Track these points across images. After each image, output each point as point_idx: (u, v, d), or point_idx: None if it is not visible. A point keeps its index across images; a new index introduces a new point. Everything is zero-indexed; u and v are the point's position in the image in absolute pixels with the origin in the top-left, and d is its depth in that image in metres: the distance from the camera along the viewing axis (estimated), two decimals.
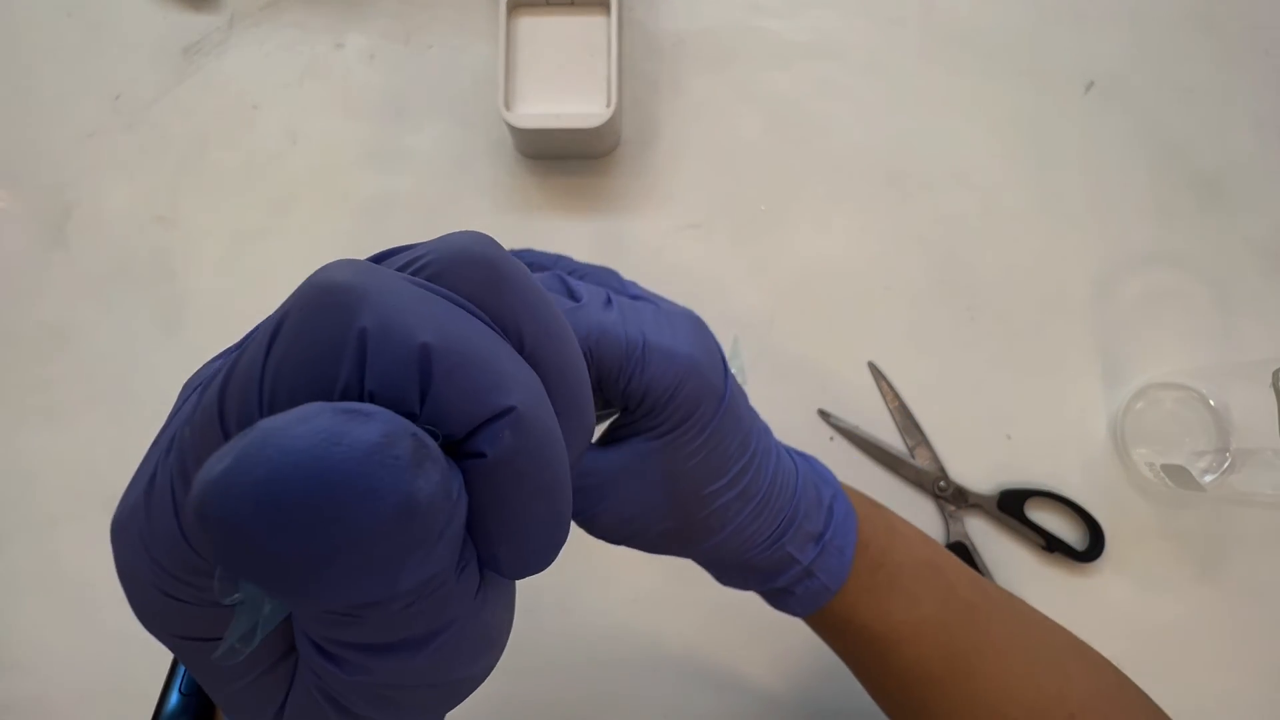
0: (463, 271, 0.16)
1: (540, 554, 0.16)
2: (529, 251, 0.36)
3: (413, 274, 0.16)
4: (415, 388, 0.14)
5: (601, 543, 0.31)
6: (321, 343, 0.14)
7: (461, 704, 0.18)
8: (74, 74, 0.56)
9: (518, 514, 0.15)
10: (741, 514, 0.29)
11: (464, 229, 0.18)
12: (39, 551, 0.51)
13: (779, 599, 0.32)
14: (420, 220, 0.54)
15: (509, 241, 0.60)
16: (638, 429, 0.28)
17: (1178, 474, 0.46)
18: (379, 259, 0.17)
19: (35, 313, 0.53)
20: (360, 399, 0.14)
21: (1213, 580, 0.49)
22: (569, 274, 0.30)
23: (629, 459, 0.28)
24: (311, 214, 0.54)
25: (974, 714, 0.31)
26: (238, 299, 0.53)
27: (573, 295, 0.27)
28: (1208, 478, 0.47)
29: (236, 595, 0.14)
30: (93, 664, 0.49)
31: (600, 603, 0.50)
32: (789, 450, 0.33)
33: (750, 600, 0.37)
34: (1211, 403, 0.49)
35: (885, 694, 0.34)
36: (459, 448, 0.15)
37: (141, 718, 0.49)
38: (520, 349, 0.16)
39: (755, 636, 0.49)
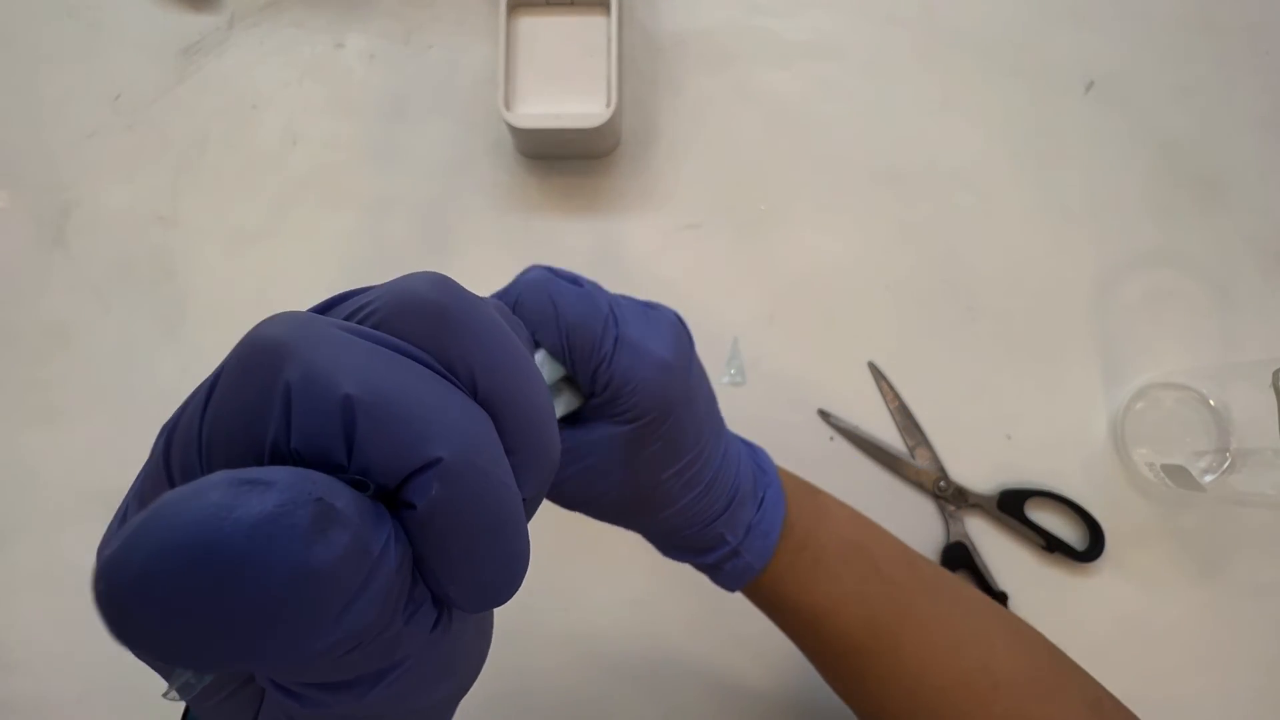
0: (408, 316, 0.16)
1: (495, 590, 0.16)
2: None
3: (359, 321, 0.16)
4: (340, 441, 0.14)
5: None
6: (250, 398, 0.15)
7: (460, 704, 0.18)
8: (74, 74, 0.56)
9: (461, 557, 0.15)
10: (685, 497, 0.32)
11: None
12: (40, 551, 0.51)
13: (712, 574, 0.36)
14: (420, 220, 0.54)
15: (510, 242, 0.59)
16: (605, 414, 0.30)
17: (1178, 474, 0.46)
18: (328, 305, 0.18)
19: (35, 313, 0.53)
20: (288, 453, 0.14)
21: (1213, 580, 0.49)
22: None
23: (595, 438, 0.30)
24: (311, 214, 0.54)
25: (899, 682, 0.34)
26: (238, 299, 0.53)
27: (576, 282, 0.30)
28: (1208, 478, 0.47)
29: None
30: (93, 664, 0.49)
31: (600, 603, 0.50)
32: (740, 440, 0.36)
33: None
34: (1211, 403, 0.49)
35: (821, 664, 0.37)
36: (394, 497, 0.15)
37: (141, 717, 0.49)
38: (473, 390, 0.16)
39: (755, 637, 0.49)
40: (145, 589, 0.12)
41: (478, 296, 0.17)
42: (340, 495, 0.14)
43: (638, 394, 0.29)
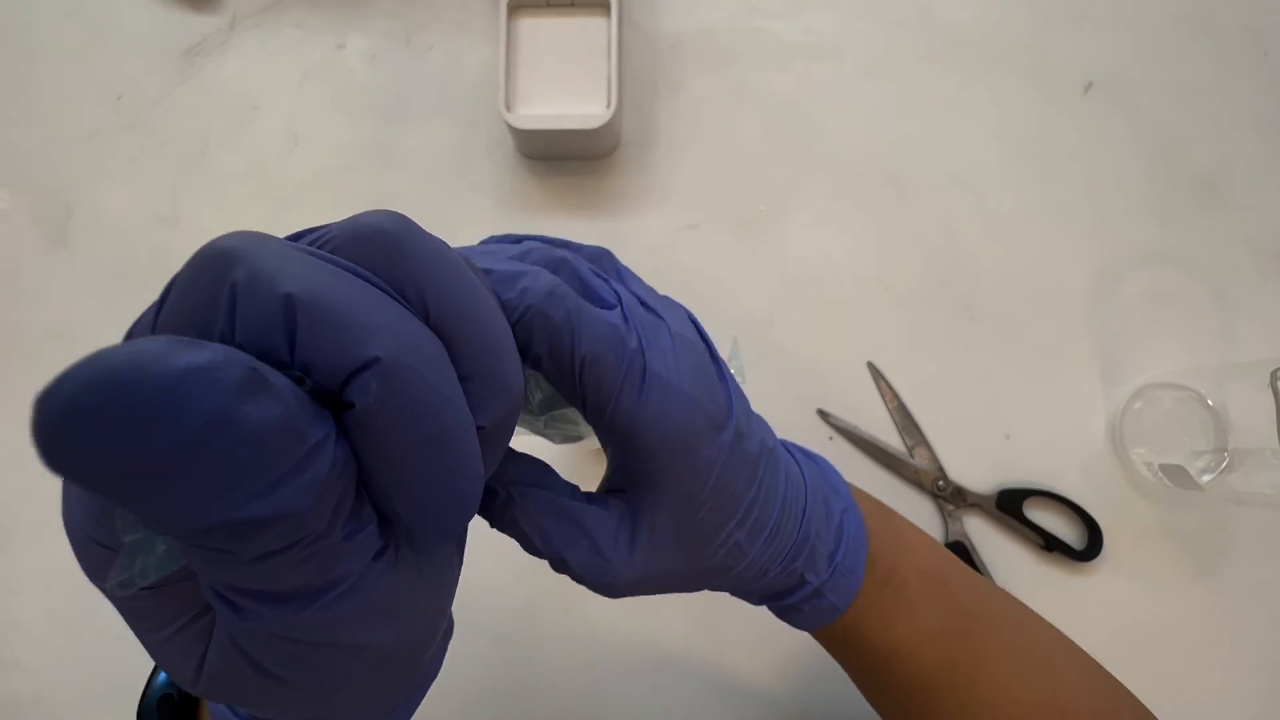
0: (363, 244, 0.17)
1: (441, 511, 0.16)
2: (533, 237, 0.29)
3: (318, 248, 0.17)
4: (282, 337, 0.15)
5: None
6: (199, 298, 0.15)
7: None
8: (75, 74, 0.56)
9: (401, 467, 0.16)
10: (754, 547, 0.27)
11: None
12: (39, 551, 0.51)
13: (787, 614, 0.31)
14: (421, 220, 0.53)
15: None
16: (637, 483, 0.25)
17: (1176, 474, 0.46)
18: (292, 239, 0.18)
19: (36, 313, 0.54)
20: (233, 346, 0.15)
21: (1211, 580, 0.49)
22: (575, 254, 0.26)
23: (633, 522, 0.25)
24: (312, 215, 0.54)
25: (972, 716, 0.32)
26: None
27: (607, 305, 0.24)
28: (1206, 477, 0.47)
29: (136, 535, 0.16)
30: (93, 664, 0.49)
31: (600, 603, 0.50)
32: (797, 451, 0.31)
33: (749, 604, 0.37)
34: (1210, 403, 0.49)
35: (885, 701, 0.34)
36: (338, 400, 0.15)
37: None
38: (425, 316, 0.17)
39: (755, 638, 0.49)
40: (73, 416, 0.13)
41: (437, 237, 0.18)
42: (277, 377, 0.14)
43: (670, 441, 0.24)
